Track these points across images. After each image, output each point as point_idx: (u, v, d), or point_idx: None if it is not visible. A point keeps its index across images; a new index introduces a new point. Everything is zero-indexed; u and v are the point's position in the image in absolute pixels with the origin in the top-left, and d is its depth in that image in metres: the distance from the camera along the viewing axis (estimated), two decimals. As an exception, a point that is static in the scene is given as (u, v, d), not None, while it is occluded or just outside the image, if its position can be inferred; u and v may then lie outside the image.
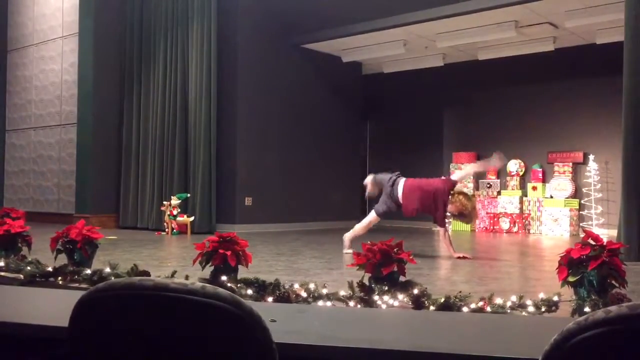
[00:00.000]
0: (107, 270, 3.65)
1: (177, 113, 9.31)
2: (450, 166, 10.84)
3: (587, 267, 2.90)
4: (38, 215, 10.26)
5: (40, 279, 3.75)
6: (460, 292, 2.98)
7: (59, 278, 3.73)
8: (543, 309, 2.86)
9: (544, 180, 9.98)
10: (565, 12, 8.17)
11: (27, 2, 11.28)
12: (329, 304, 2.99)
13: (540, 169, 10.02)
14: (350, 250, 5.84)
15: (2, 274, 3.98)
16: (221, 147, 9.20)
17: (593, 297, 2.85)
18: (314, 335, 1.72)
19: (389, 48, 10.02)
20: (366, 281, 3.22)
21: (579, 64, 9.64)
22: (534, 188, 9.96)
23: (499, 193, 10.34)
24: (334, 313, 2.54)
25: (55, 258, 3.93)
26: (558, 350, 0.89)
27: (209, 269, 3.50)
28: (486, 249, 7.71)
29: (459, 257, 5.84)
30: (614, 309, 0.86)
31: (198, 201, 8.94)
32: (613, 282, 2.94)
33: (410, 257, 3.31)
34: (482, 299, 2.89)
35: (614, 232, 7.03)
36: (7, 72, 11.62)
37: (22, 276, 3.81)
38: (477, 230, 10.38)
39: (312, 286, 3.12)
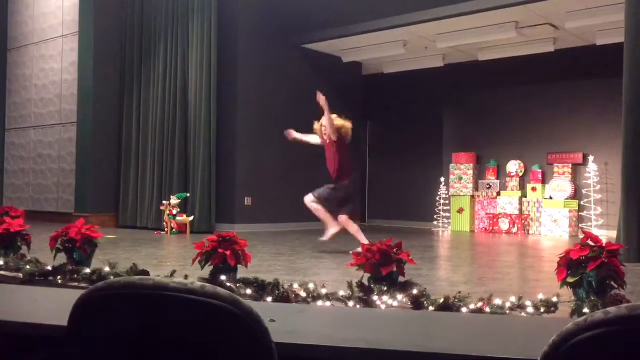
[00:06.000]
0: (106, 269, 3.65)
1: (177, 112, 9.30)
2: (450, 166, 10.84)
3: (586, 268, 2.90)
4: (37, 214, 10.26)
5: (39, 277, 3.75)
6: (459, 292, 2.98)
7: (58, 277, 3.73)
8: (542, 310, 2.86)
9: (544, 181, 9.99)
10: (566, 13, 8.18)
11: (28, 1, 11.27)
12: (328, 303, 2.99)
13: (540, 170, 10.02)
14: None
15: (1, 272, 3.98)
16: (221, 146, 9.19)
17: (592, 298, 2.84)
18: (313, 335, 1.72)
19: (388, 48, 10.03)
20: (365, 281, 3.22)
21: (579, 65, 9.64)
22: (534, 189, 9.96)
23: (498, 193, 10.34)
24: (333, 313, 2.55)
25: (55, 257, 3.93)
26: (556, 351, 0.89)
27: (208, 269, 3.50)
28: (485, 249, 7.71)
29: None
30: (612, 309, 0.86)
31: (197, 200, 8.93)
32: (612, 283, 2.94)
33: (410, 258, 3.32)
34: (481, 299, 2.89)
35: (613, 233, 7.03)
36: (7, 71, 11.61)
37: (21, 275, 3.80)
38: (476, 230, 10.39)
39: (311, 286, 3.13)
